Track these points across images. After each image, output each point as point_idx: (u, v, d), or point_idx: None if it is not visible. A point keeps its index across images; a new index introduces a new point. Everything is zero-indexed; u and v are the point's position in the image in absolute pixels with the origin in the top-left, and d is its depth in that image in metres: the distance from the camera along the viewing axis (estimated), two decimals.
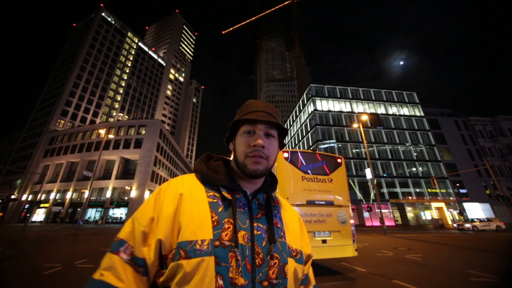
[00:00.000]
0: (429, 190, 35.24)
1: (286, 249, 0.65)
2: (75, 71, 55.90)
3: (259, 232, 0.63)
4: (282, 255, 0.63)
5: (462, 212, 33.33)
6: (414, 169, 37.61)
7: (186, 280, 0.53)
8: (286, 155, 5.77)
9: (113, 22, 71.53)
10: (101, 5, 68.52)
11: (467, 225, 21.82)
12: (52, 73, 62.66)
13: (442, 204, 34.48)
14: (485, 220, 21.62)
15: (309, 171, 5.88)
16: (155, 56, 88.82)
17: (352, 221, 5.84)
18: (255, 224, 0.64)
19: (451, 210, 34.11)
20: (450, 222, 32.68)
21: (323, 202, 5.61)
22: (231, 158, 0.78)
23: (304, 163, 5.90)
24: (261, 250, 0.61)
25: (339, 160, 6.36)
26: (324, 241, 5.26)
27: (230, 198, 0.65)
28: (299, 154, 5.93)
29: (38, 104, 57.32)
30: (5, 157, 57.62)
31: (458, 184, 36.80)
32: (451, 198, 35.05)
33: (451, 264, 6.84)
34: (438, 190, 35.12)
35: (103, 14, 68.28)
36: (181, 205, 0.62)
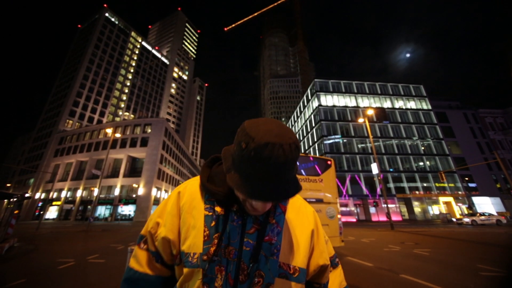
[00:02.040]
0: (436, 184, 34.66)
1: (276, 268, 0.63)
2: (81, 71, 56.78)
3: (247, 249, 0.63)
4: (268, 274, 0.61)
5: (471, 206, 32.73)
6: (421, 163, 36.98)
7: (183, 282, 0.63)
8: None
9: (116, 22, 71.99)
10: (105, 5, 68.94)
11: (466, 220, 21.51)
12: (59, 74, 63.85)
13: (450, 199, 33.91)
14: (487, 214, 21.35)
15: (302, 172, 6.55)
16: (159, 55, 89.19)
17: (339, 216, 6.52)
18: (245, 240, 0.64)
19: (460, 204, 33.53)
20: (458, 217, 32.16)
21: (313, 200, 6.34)
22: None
23: (298, 165, 6.28)
24: (247, 266, 0.61)
25: (329, 162, 7.15)
26: None
27: (222, 213, 0.66)
28: None
29: (47, 105, 58.65)
30: (19, 157, 59.47)
31: (467, 178, 36.05)
32: (460, 192, 34.41)
33: (460, 258, 6.77)
34: (446, 185, 34.51)
35: (106, 14, 68.76)
36: (181, 216, 0.69)
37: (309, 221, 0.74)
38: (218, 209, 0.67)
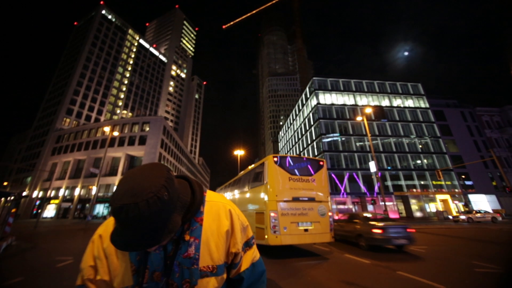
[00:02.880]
0: (434, 182, 34.96)
1: (197, 273, 0.76)
2: (78, 69, 56.22)
3: (173, 267, 0.75)
4: (192, 280, 0.75)
5: (467, 204, 33.10)
6: (418, 161, 37.26)
7: None
8: (275, 159, 6.91)
9: (113, 20, 71.19)
10: (101, 2, 68.09)
11: (462, 217, 21.84)
12: (56, 72, 63.17)
13: (447, 196, 34.25)
14: (482, 211, 21.61)
15: (296, 172, 7.04)
16: (156, 53, 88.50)
17: (330, 213, 7.04)
18: (168, 262, 0.75)
19: (456, 202, 33.90)
20: (455, 214, 32.56)
21: (306, 199, 6.82)
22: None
23: (292, 166, 7.08)
24: (175, 281, 0.74)
25: (321, 163, 7.59)
26: (306, 230, 6.47)
27: None
28: (288, 158, 7.10)
29: (44, 103, 58.08)
30: (15, 156, 58.96)
31: (463, 176, 36.40)
32: (456, 190, 34.76)
33: (456, 255, 6.87)
34: (443, 182, 34.83)
35: (103, 12, 67.95)
36: (108, 258, 0.76)
37: (224, 224, 0.85)
38: None
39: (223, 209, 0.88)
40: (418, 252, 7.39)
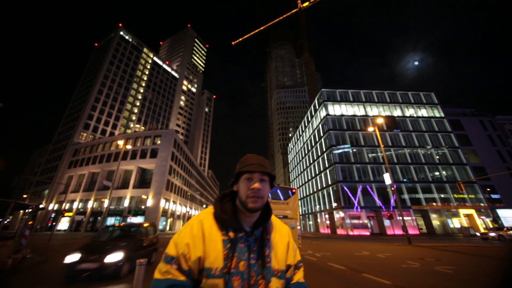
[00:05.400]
0: (455, 195, 32.80)
1: (271, 272, 0.94)
2: (96, 86, 59.76)
3: (253, 261, 0.93)
4: (267, 276, 0.92)
5: (496, 219, 30.50)
6: (437, 173, 35.33)
7: None
8: None
9: (130, 40, 76.25)
10: (120, 24, 73.54)
11: (492, 234, 19.88)
12: (76, 90, 67.47)
13: (472, 211, 31.84)
14: None
15: (280, 196, 10.22)
16: (169, 69, 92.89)
17: (299, 227, 9.87)
18: (251, 255, 0.94)
19: (483, 217, 31.35)
20: (483, 231, 30.01)
21: (281, 216, 9.75)
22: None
23: (272, 192, 9.70)
24: (255, 274, 0.91)
25: (294, 190, 10.50)
26: None
27: (234, 237, 0.95)
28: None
29: (64, 119, 61.58)
30: (35, 169, 61.93)
31: (489, 189, 33.94)
32: (482, 204, 32.31)
33: (488, 278, 6.18)
34: (466, 196, 32.58)
35: (121, 33, 73.13)
36: (205, 239, 0.93)
37: (286, 237, 1.08)
38: (231, 234, 0.95)
39: (284, 227, 1.13)
40: (445, 273, 6.72)
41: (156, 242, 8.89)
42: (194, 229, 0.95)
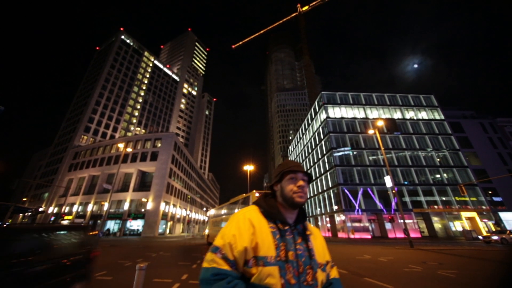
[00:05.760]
0: (457, 198, 32.61)
1: (316, 264, 1.06)
2: (97, 90, 60.05)
3: (300, 252, 1.04)
4: (314, 267, 1.04)
5: (498, 222, 30.26)
6: (438, 175, 35.19)
7: (263, 278, 0.93)
8: (257, 194, 10.87)
9: (131, 44, 76.88)
10: (121, 28, 74.24)
11: (495, 237, 19.61)
12: (77, 93, 67.79)
13: (473, 214, 31.62)
14: None
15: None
16: (170, 73, 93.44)
17: None
18: (297, 247, 1.05)
19: (485, 220, 31.11)
20: (485, 234, 29.75)
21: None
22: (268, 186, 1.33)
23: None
24: (302, 263, 1.01)
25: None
26: None
27: (283, 229, 1.07)
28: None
29: (65, 122, 61.75)
30: (35, 172, 61.93)
31: (490, 192, 33.76)
32: (484, 207, 32.10)
33: (492, 281, 6.09)
34: (467, 198, 32.39)
35: (122, 37, 73.77)
36: (255, 232, 1.02)
37: (320, 236, 1.23)
38: (280, 226, 1.07)
39: (316, 228, 1.26)
40: (448, 277, 6.64)
41: (89, 261, 4.27)
42: (240, 222, 1.04)
